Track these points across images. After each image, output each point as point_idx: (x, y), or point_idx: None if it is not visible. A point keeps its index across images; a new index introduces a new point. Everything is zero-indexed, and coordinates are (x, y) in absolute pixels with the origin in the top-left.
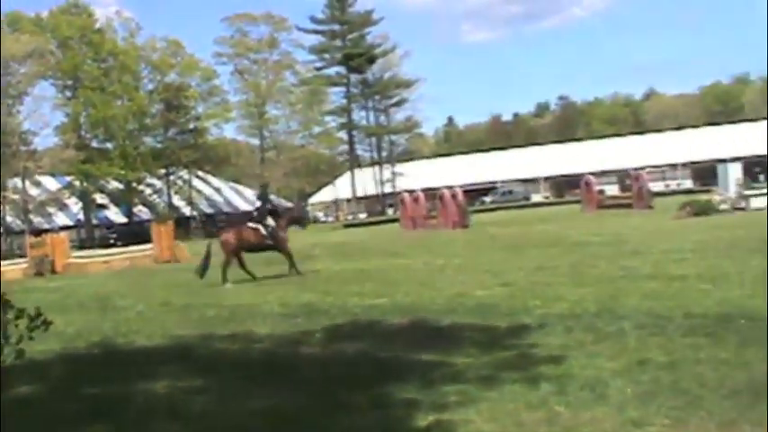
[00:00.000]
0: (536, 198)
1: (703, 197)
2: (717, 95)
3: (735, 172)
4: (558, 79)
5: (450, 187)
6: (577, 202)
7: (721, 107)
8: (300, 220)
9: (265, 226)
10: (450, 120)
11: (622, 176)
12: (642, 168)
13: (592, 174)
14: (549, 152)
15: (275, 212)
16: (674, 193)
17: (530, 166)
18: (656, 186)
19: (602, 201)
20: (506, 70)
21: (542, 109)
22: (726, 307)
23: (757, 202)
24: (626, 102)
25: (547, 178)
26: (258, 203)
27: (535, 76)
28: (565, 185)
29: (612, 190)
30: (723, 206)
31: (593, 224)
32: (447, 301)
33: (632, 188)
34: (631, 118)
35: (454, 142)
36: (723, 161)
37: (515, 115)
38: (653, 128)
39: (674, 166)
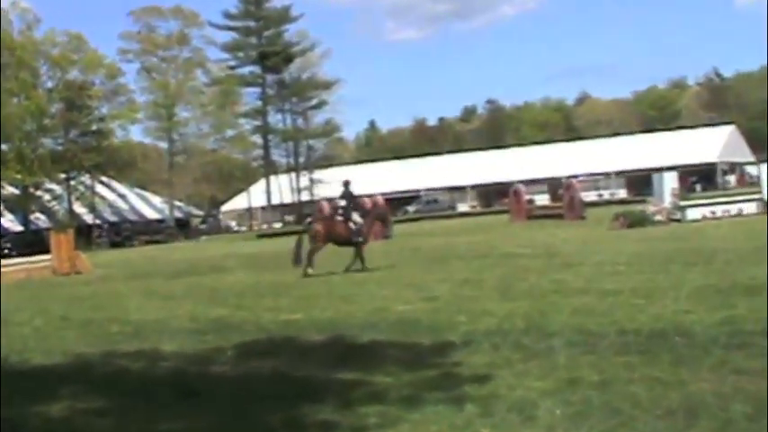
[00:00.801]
0: (462, 207)
1: (638, 208)
2: (652, 101)
3: (670, 181)
4: (487, 82)
5: (371, 196)
6: (506, 211)
7: (657, 113)
8: (385, 218)
9: (354, 222)
10: (372, 124)
11: (553, 185)
12: (574, 177)
13: (521, 182)
14: (476, 159)
15: (363, 209)
16: (607, 203)
17: (456, 174)
18: (589, 196)
19: (532, 211)
20: (432, 72)
21: (469, 113)
22: (660, 323)
23: (693, 213)
24: (558, 106)
25: (474, 186)
26: (341, 200)
27: (462, 78)
28: (493, 194)
29: (543, 199)
30: (658, 217)
31: (523, 235)
32: (367, 317)
33: (563, 198)
34: (563, 123)
35: (376, 148)
36: (658, 170)
37: (441, 119)
38: (586, 134)
39: (607, 174)
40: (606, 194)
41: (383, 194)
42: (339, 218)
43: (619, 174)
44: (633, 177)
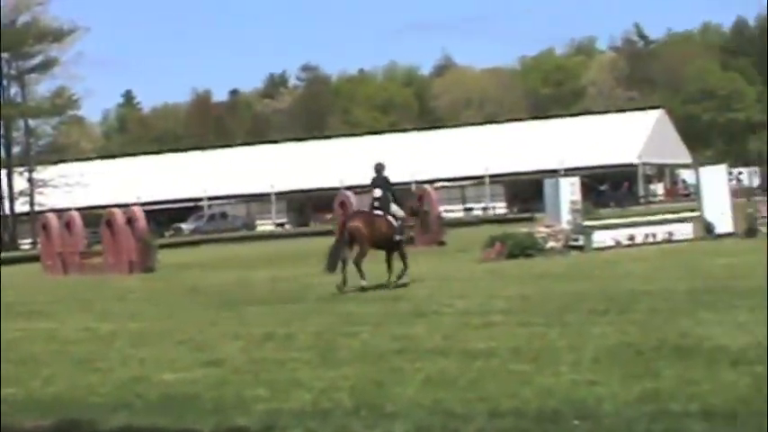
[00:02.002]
0: (265, 226)
1: (522, 229)
2: (546, 72)
3: (569, 191)
4: (303, 39)
5: (125, 206)
6: (330, 232)
7: (553, 90)
8: (420, 213)
9: (394, 217)
10: (129, 97)
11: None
12: (430, 182)
13: (351, 189)
14: (284, 152)
15: (400, 202)
16: (479, 221)
17: (255, 176)
18: (452, 211)
19: None
20: (222, 22)
21: (277, 85)
22: (553, 400)
23: (603, 238)
24: (407, 77)
25: (282, 194)
26: (377, 191)
27: (267, 33)
28: (310, 206)
29: None
30: (551, 243)
31: (352, 268)
32: (117, 391)
33: (414, 213)
34: (416, 103)
35: (133, 134)
36: (552, 174)
37: (234, 94)
38: (448, 119)
39: (479, 179)
40: (477, 209)
41: (143, 205)
42: (378, 211)
43: (495, 179)
44: (516, 184)
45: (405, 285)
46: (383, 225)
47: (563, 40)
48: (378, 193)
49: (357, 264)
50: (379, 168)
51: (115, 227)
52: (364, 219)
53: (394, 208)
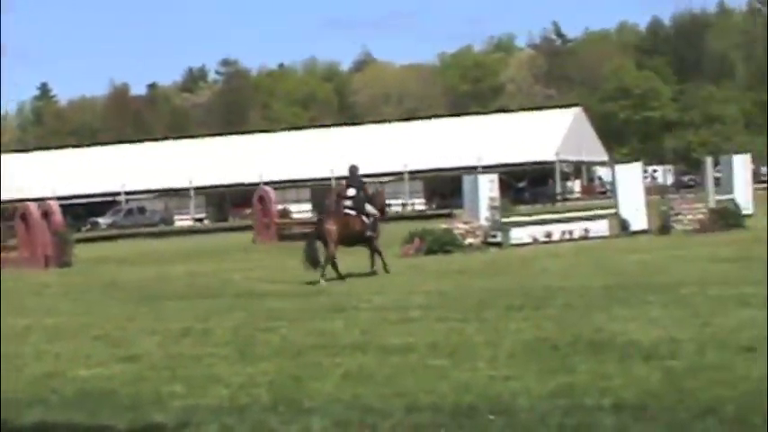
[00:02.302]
0: (184, 221)
1: (441, 225)
2: (465, 69)
3: (488, 188)
4: (223, 34)
5: (40, 200)
6: (248, 227)
7: (471, 87)
8: (383, 208)
9: (366, 215)
10: (45, 89)
11: (318, 190)
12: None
13: (271, 184)
14: (203, 147)
15: (371, 199)
16: (398, 217)
17: (174, 169)
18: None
19: (287, 227)
20: (140, 16)
21: (196, 79)
22: (470, 395)
23: (520, 234)
24: (327, 73)
25: (201, 189)
26: (349, 189)
27: (188, 25)
28: (229, 202)
29: (303, 211)
30: (470, 240)
31: (272, 264)
32: (31, 387)
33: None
34: (336, 98)
35: (50, 127)
36: (471, 170)
37: (152, 87)
38: (367, 114)
39: (398, 175)
40: (396, 205)
41: (59, 199)
42: (350, 211)
43: (414, 175)
44: (435, 181)
45: (374, 273)
46: (356, 224)
47: (482, 38)
48: (352, 192)
49: (329, 261)
50: (354, 170)
51: (30, 221)
52: (338, 221)
53: (368, 207)
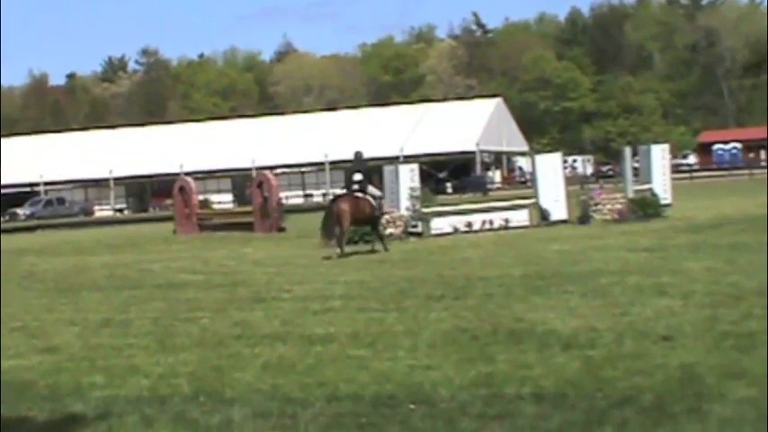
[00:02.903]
0: (104, 211)
1: None
2: (386, 59)
3: (408, 178)
4: (143, 22)
5: None
6: (169, 218)
7: (392, 77)
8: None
9: (372, 197)
10: None
11: (240, 181)
12: (270, 168)
13: (191, 174)
14: (123, 137)
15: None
16: (319, 208)
17: (93, 160)
18: (293, 197)
19: (207, 218)
20: (59, 4)
21: (115, 69)
22: (390, 385)
23: (441, 224)
24: (248, 63)
25: (120, 180)
26: (358, 175)
27: (105, 13)
28: (149, 192)
29: (225, 201)
30: (390, 230)
31: (193, 254)
32: None
33: (254, 199)
34: (256, 89)
35: None
36: (392, 160)
37: (71, 77)
38: (288, 105)
39: (319, 165)
40: (317, 195)
41: None
42: (359, 193)
43: (335, 165)
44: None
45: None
46: (366, 206)
47: (403, 28)
48: (358, 176)
49: (340, 240)
50: (359, 155)
51: None
52: (351, 202)
53: (371, 189)
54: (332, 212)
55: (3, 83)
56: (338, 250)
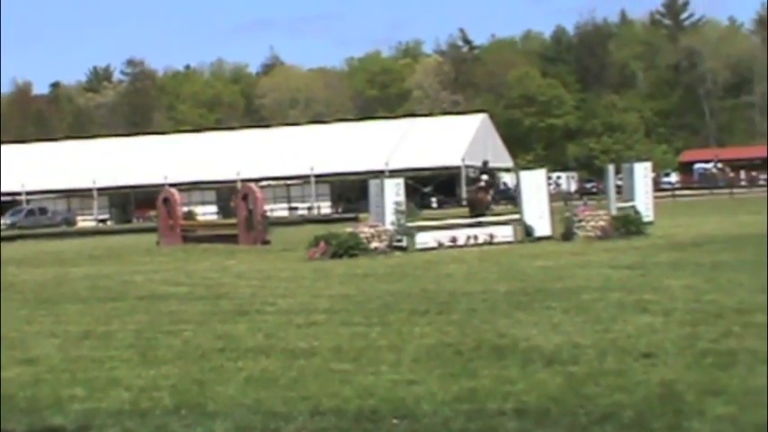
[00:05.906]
0: (86, 222)
1: (346, 229)
2: (373, 74)
3: (394, 192)
4: (129, 33)
5: None
6: (152, 230)
7: (379, 92)
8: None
9: (491, 195)
10: None
11: (224, 193)
12: (255, 181)
13: (175, 186)
14: (107, 148)
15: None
16: (304, 221)
17: (76, 171)
18: (278, 210)
19: (191, 229)
20: (44, 12)
21: (101, 79)
22: (372, 399)
23: (426, 239)
24: (234, 75)
25: (104, 190)
26: (483, 175)
27: (92, 23)
28: (132, 203)
29: (209, 213)
30: (375, 243)
31: (176, 266)
32: None
33: (238, 212)
34: (243, 101)
35: None
36: (377, 174)
37: (55, 86)
38: (275, 117)
39: (304, 178)
40: (302, 208)
41: None
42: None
43: (321, 178)
44: (341, 185)
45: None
46: (485, 199)
47: (390, 43)
48: (485, 177)
49: (484, 210)
50: (486, 163)
51: None
52: (484, 193)
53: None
54: (474, 199)
55: None
56: (326, 263)
